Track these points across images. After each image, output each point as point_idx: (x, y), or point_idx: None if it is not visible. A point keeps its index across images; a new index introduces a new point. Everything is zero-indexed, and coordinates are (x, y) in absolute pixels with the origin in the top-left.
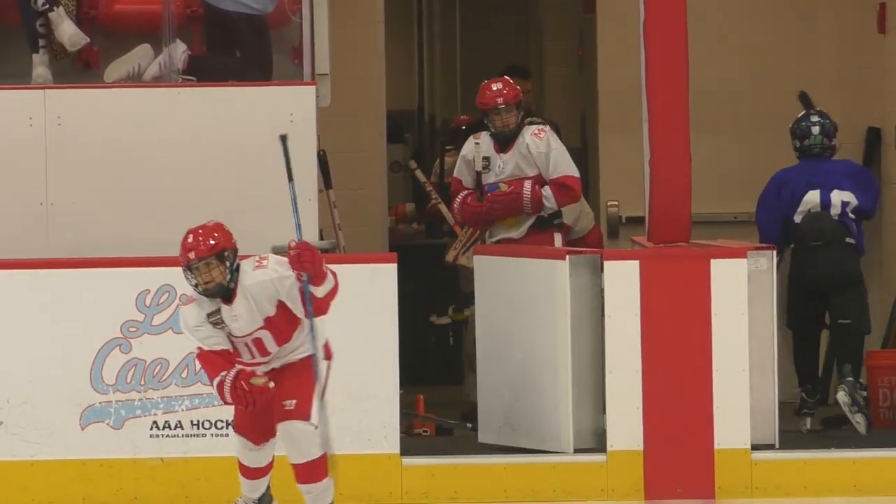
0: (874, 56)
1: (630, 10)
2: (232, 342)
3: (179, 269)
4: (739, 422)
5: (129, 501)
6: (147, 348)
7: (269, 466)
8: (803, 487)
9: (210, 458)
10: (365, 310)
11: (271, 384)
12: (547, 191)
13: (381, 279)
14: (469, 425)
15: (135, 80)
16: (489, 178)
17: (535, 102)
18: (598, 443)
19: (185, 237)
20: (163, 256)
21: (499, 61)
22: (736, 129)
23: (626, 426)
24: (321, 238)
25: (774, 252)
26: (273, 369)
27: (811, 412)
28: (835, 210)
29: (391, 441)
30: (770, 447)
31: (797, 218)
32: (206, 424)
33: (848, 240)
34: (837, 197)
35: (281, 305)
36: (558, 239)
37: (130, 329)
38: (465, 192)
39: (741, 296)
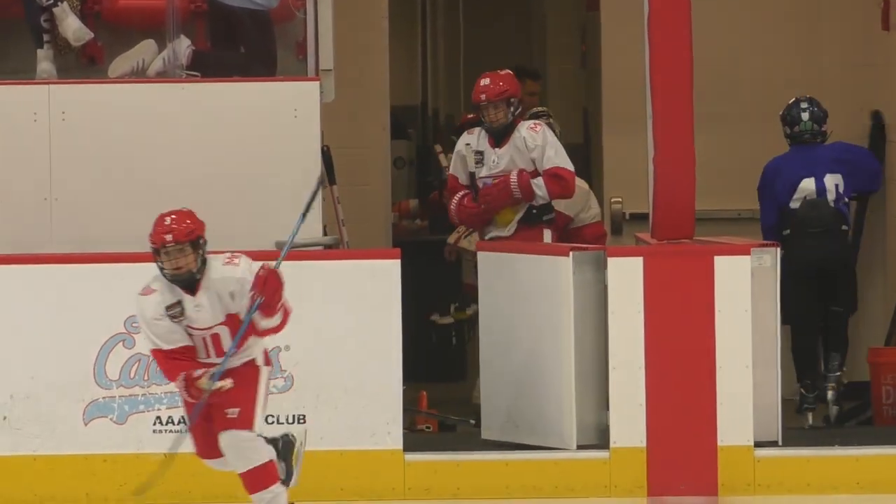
0: (878, 53)
1: (634, 6)
2: (193, 337)
3: None
4: (742, 419)
5: (133, 497)
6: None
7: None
8: (806, 485)
9: None
10: (368, 306)
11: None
12: (539, 180)
13: (385, 275)
14: (472, 421)
15: (139, 75)
16: (482, 172)
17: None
18: (601, 439)
19: (160, 220)
20: None
21: (502, 57)
22: (740, 126)
23: (629, 423)
24: (325, 234)
25: (778, 249)
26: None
27: (812, 407)
28: (830, 195)
29: (394, 437)
30: (773, 444)
31: (793, 205)
32: None
33: (843, 227)
34: (831, 181)
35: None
36: (547, 235)
37: (134, 324)
38: (461, 193)
39: (745, 292)
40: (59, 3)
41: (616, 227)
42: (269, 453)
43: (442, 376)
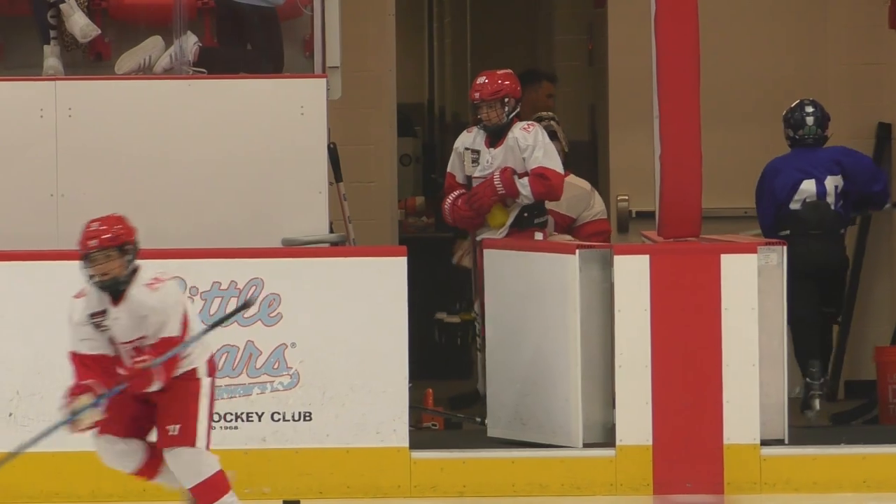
0: (885, 52)
1: (641, 4)
2: (116, 347)
3: (190, 262)
4: (749, 417)
5: (138, 494)
6: None
7: (147, 471)
8: (812, 483)
9: (219, 450)
10: (375, 303)
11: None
12: (524, 179)
13: (391, 272)
14: (478, 419)
15: (146, 71)
16: (476, 172)
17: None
18: (607, 437)
19: (87, 226)
20: (172, 249)
21: (509, 54)
22: (747, 124)
23: (635, 421)
24: (331, 231)
25: (784, 248)
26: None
27: (819, 393)
28: (830, 198)
29: (400, 434)
30: (779, 443)
31: (793, 206)
32: (216, 417)
33: (841, 231)
34: (831, 183)
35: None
36: (539, 238)
37: None
38: (455, 193)
39: (751, 291)
40: (66, 0)
41: (622, 225)
42: (215, 464)
43: (448, 373)
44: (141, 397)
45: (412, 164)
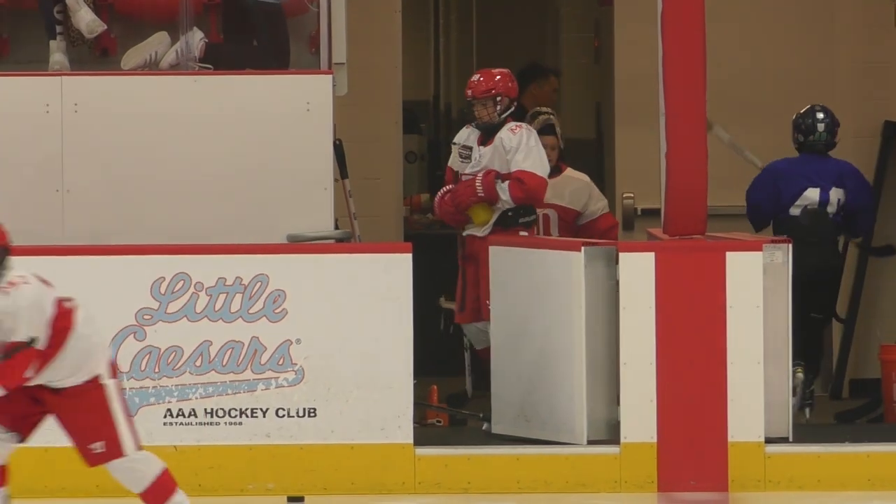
0: (891, 51)
1: (648, 2)
2: None
3: (195, 257)
4: (753, 415)
5: None
6: (161, 336)
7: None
8: (817, 481)
9: (224, 446)
10: (380, 299)
11: None
12: (505, 183)
13: (397, 269)
14: (481, 415)
15: (152, 67)
16: (466, 169)
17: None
18: (611, 434)
19: None
20: (178, 244)
21: (515, 52)
22: (753, 122)
23: (639, 418)
24: (336, 228)
25: (790, 245)
26: (50, 389)
27: (808, 402)
28: (831, 208)
29: (405, 431)
30: (784, 440)
31: (794, 211)
32: (220, 413)
33: (837, 238)
34: (835, 195)
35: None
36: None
37: (145, 316)
38: (446, 188)
39: (756, 288)
40: None
41: (628, 222)
42: (155, 464)
43: (453, 370)
44: (32, 395)
45: (417, 161)
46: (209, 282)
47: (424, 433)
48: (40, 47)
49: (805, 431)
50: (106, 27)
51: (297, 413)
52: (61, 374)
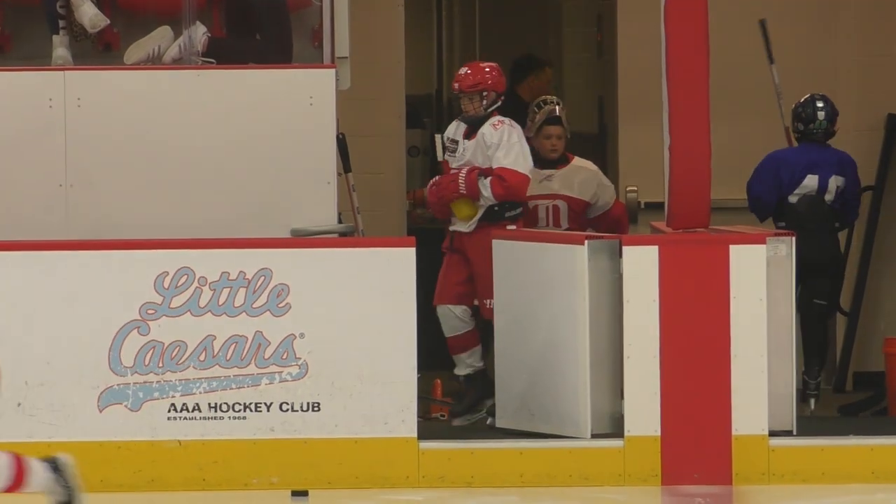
0: (895, 44)
1: None
2: None
3: (198, 252)
4: (757, 408)
5: (147, 484)
6: (165, 330)
7: None
8: (821, 474)
9: (228, 440)
10: (383, 293)
11: None
12: (486, 180)
13: (400, 263)
14: (485, 410)
15: (154, 62)
16: (453, 163)
17: (554, 87)
18: (615, 428)
19: None
20: (181, 239)
21: (518, 45)
22: (757, 115)
23: (643, 412)
24: (340, 222)
25: (794, 238)
26: None
27: (814, 393)
28: (829, 196)
29: (409, 425)
30: (787, 434)
31: (792, 199)
32: (224, 407)
33: (836, 224)
34: (833, 183)
35: None
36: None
37: (149, 311)
38: (433, 180)
39: (760, 282)
40: None
41: (631, 216)
42: (2, 459)
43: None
44: None
45: (420, 156)
46: (213, 276)
47: (428, 427)
48: (43, 42)
49: (809, 424)
50: (109, 22)
51: (301, 407)
52: None
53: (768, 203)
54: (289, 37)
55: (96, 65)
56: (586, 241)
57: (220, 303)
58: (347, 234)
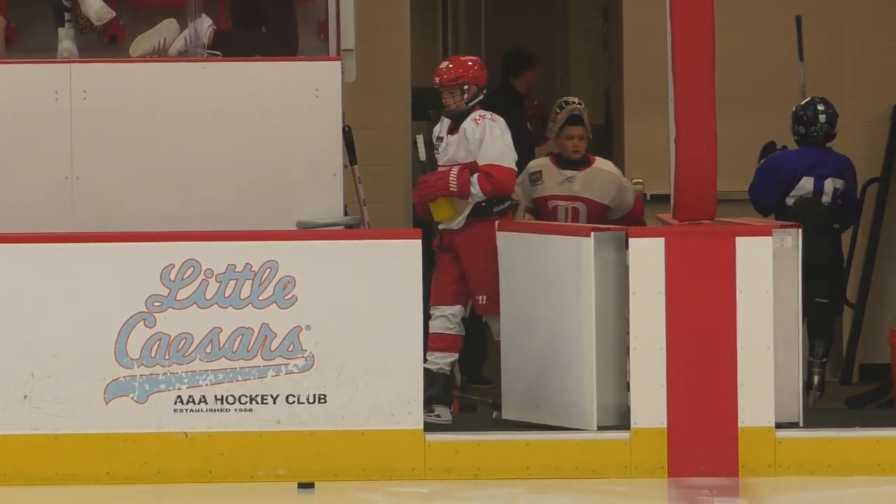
0: None
1: None
2: None
3: (204, 244)
4: (763, 400)
5: (153, 476)
6: (171, 323)
7: None
8: (827, 466)
9: (234, 432)
10: (389, 285)
11: None
12: (474, 178)
13: (406, 255)
14: (490, 400)
15: (160, 54)
16: (439, 159)
17: (560, 79)
18: (621, 420)
19: None
20: (187, 231)
21: (523, 38)
22: (763, 107)
23: (649, 404)
24: (346, 214)
25: (800, 231)
26: None
27: (819, 370)
28: (826, 198)
29: (415, 417)
30: (794, 425)
31: (789, 201)
32: (230, 399)
33: (834, 225)
34: (830, 185)
35: None
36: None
37: (155, 303)
38: (420, 178)
39: (766, 273)
40: None
41: None
42: None
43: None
44: None
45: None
46: (219, 268)
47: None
48: (49, 35)
49: (815, 417)
50: (114, 14)
51: (308, 399)
52: None
53: (767, 206)
54: (294, 29)
55: (102, 57)
56: (592, 234)
57: (227, 295)
58: (353, 227)
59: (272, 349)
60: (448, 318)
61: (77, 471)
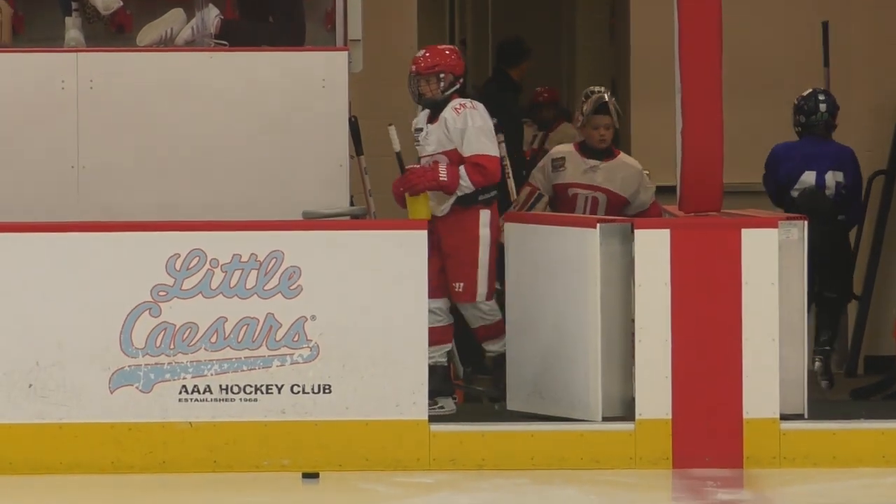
0: None
1: None
2: None
3: (210, 234)
4: (768, 391)
5: (158, 465)
6: (177, 312)
7: None
8: (832, 458)
9: (239, 422)
10: (394, 276)
11: None
12: (462, 170)
13: (411, 246)
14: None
15: (167, 44)
16: (420, 150)
17: (567, 70)
18: (626, 411)
19: None
20: (193, 221)
21: (530, 29)
22: (770, 99)
23: (654, 395)
24: (352, 204)
25: (806, 223)
26: None
27: (820, 357)
28: (829, 191)
29: (420, 407)
30: (799, 417)
31: (794, 193)
32: (235, 389)
33: (840, 217)
34: (832, 178)
35: None
36: (484, 215)
37: (160, 293)
38: (407, 169)
39: (772, 266)
40: None
41: None
42: None
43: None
44: None
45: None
46: (224, 258)
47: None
48: (56, 24)
49: (820, 408)
50: (121, 4)
51: (312, 389)
52: None
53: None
54: (301, 19)
55: (109, 47)
56: (598, 225)
57: (232, 285)
58: (359, 217)
59: (277, 339)
60: (434, 311)
61: (82, 460)
